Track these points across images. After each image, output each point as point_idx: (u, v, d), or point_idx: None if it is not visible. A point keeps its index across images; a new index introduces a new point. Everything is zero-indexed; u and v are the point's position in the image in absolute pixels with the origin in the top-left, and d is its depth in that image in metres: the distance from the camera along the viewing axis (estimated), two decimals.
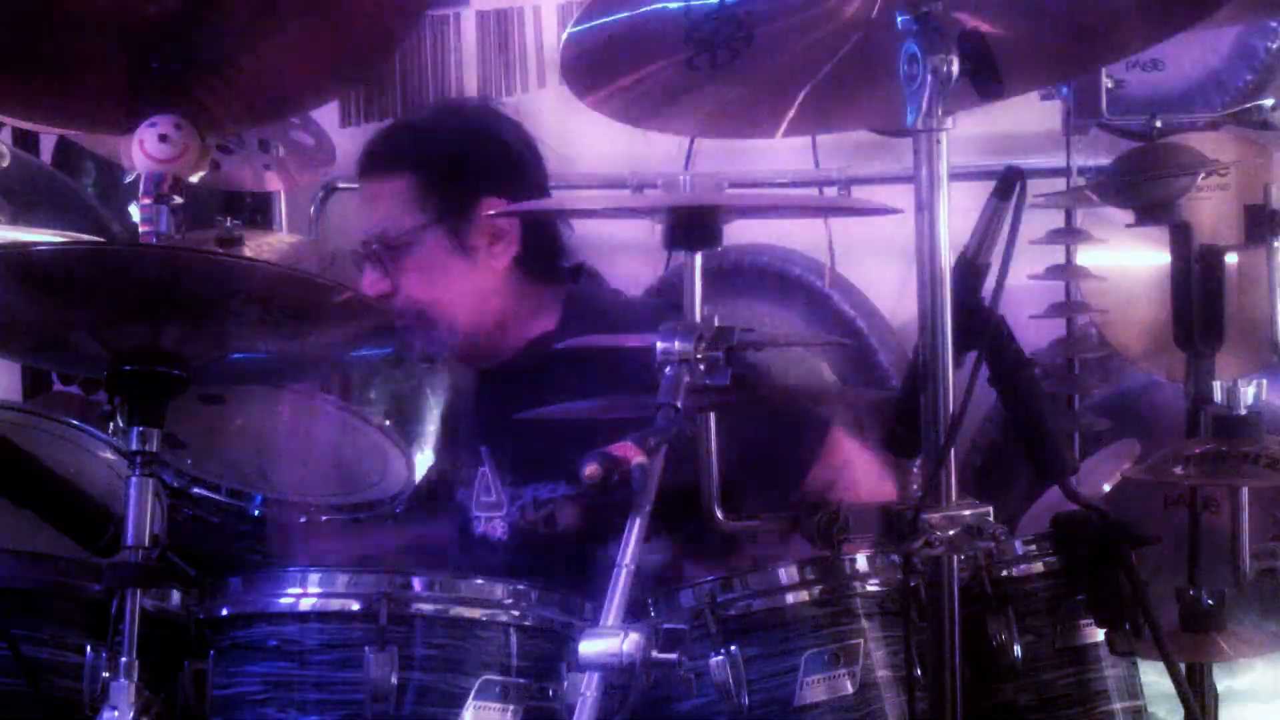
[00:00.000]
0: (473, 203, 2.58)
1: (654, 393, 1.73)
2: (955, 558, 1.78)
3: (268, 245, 3.30)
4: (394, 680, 1.84)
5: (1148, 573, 1.96)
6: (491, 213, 2.55)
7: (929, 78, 1.73)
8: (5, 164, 2.54)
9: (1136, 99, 3.23)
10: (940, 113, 1.74)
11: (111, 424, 2.34)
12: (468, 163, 2.63)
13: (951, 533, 1.76)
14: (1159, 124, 3.09)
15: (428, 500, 2.84)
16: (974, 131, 3.27)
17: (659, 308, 2.67)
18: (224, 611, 1.94)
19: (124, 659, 1.81)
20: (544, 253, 2.67)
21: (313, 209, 3.85)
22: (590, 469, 1.57)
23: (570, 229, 2.72)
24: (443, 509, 2.79)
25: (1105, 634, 1.98)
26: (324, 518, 2.48)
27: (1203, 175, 2.53)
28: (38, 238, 2.37)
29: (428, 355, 2.71)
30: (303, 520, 2.46)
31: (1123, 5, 1.92)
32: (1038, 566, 2.09)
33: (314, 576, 1.93)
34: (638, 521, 1.65)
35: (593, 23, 1.97)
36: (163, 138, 2.02)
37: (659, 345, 1.76)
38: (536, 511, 2.57)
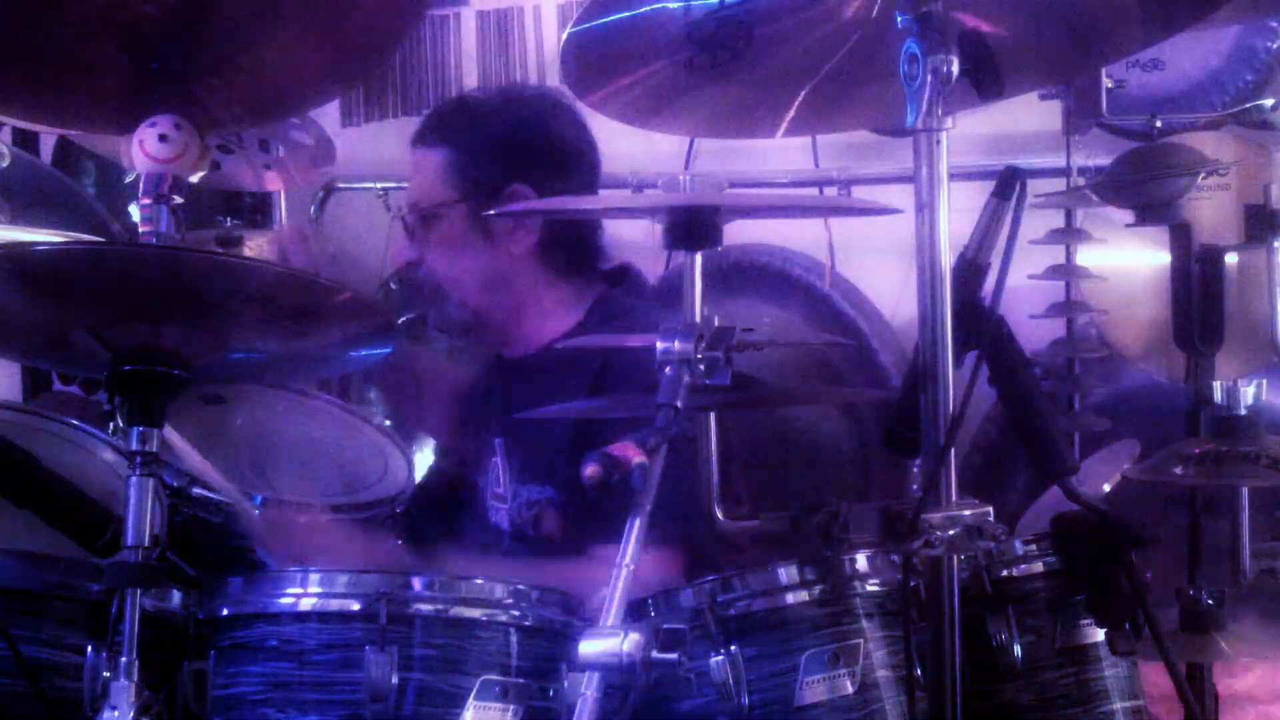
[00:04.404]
0: (500, 187, 2.59)
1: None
2: (955, 558, 1.78)
3: (268, 245, 3.30)
4: (394, 680, 1.84)
5: (1155, 575, 1.96)
6: (508, 208, 2.56)
7: (929, 78, 1.72)
8: (5, 164, 2.55)
9: (1136, 99, 3.22)
10: (940, 113, 1.74)
11: (111, 424, 2.33)
12: (503, 146, 2.64)
13: (951, 533, 1.76)
14: (1159, 124, 3.09)
15: (446, 480, 2.86)
16: (974, 131, 3.28)
17: None
18: (224, 611, 1.93)
19: (124, 659, 1.80)
20: (569, 249, 2.67)
21: (313, 209, 3.85)
22: (591, 469, 1.57)
23: (603, 230, 2.73)
24: (461, 488, 2.81)
25: (1105, 634, 1.98)
26: (325, 517, 2.48)
27: (1203, 175, 2.54)
28: (38, 238, 2.37)
29: (441, 327, 2.75)
30: (303, 520, 2.46)
31: (1123, 5, 1.92)
32: (1038, 566, 2.08)
33: (314, 576, 1.93)
34: (637, 521, 1.65)
35: (593, 23, 1.97)
36: (163, 138, 2.01)
37: (659, 345, 1.76)
38: (527, 512, 2.58)
